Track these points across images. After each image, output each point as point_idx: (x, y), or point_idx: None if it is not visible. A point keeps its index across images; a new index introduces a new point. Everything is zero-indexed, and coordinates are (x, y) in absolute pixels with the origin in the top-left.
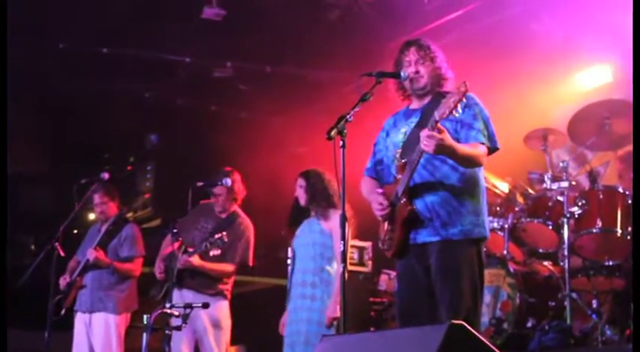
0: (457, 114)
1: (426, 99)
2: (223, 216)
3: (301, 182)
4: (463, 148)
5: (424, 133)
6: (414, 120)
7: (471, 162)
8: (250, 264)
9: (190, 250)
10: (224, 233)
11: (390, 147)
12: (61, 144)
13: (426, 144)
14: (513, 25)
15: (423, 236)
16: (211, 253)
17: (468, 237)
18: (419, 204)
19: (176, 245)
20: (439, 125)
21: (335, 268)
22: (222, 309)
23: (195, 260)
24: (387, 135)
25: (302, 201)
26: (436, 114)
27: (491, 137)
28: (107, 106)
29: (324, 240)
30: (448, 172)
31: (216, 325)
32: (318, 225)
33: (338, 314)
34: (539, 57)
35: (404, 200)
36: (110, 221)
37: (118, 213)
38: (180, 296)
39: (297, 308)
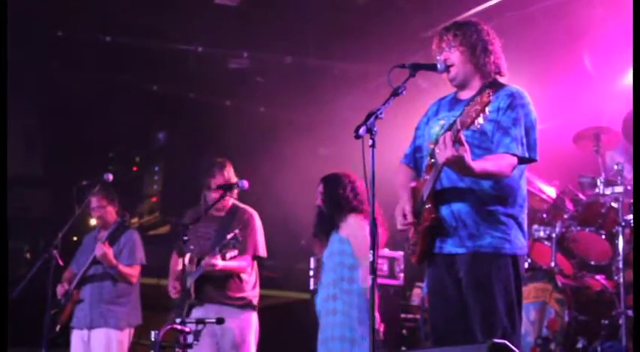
0: (479, 125)
1: (475, 90)
2: (222, 214)
3: (320, 188)
4: (482, 166)
5: (442, 139)
6: (456, 114)
7: (492, 177)
8: (264, 254)
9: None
10: (236, 231)
11: (426, 136)
12: (59, 143)
13: (439, 152)
14: (562, 12)
15: (449, 246)
16: (228, 255)
17: (499, 252)
18: (444, 211)
19: (186, 259)
20: (462, 138)
21: (360, 275)
22: (250, 323)
23: (219, 261)
24: (428, 121)
25: (323, 209)
26: (458, 123)
27: (530, 147)
28: (110, 101)
29: (342, 248)
30: None
31: (243, 340)
32: (337, 234)
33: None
34: (590, 48)
35: (429, 205)
36: (111, 229)
37: (118, 219)
38: (205, 313)
39: (327, 326)
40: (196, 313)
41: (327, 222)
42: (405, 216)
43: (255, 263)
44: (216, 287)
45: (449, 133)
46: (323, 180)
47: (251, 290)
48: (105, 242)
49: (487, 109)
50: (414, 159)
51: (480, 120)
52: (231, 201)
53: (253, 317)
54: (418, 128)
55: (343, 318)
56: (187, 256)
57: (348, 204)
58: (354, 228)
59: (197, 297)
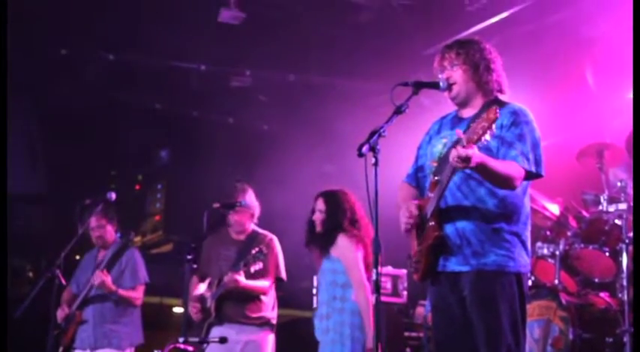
0: (486, 142)
1: (477, 108)
2: (242, 237)
3: (320, 206)
4: (495, 164)
5: (454, 154)
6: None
7: (503, 181)
8: (284, 277)
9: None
10: (261, 246)
11: (428, 155)
12: (62, 160)
13: (457, 160)
14: (564, 29)
15: (453, 264)
16: (252, 269)
17: (503, 270)
18: (449, 229)
19: (207, 283)
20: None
21: (350, 295)
22: (267, 341)
23: (242, 278)
24: (430, 140)
25: (318, 227)
26: (464, 140)
27: (536, 162)
28: (113, 119)
29: (333, 267)
30: (484, 196)
31: None
32: (328, 253)
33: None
34: (592, 64)
35: (432, 223)
36: (111, 251)
37: (118, 238)
38: (224, 332)
39: (322, 344)
40: (215, 332)
41: (320, 239)
42: (411, 212)
43: (274, 285)
44: (236, 306)
45: (454, 149)
46: (324, 197)
47: (270, 310)
48: (103, 270)
49: (494, 126)
50: (417, 178)
51: (487, 137)
52: (251, 226)
53: (270, 337)
54: (420, 147)
55: (334, 336)
56: (207, 280)
57: (342, 227)
58: (343, 249)
59: (217, 316)
